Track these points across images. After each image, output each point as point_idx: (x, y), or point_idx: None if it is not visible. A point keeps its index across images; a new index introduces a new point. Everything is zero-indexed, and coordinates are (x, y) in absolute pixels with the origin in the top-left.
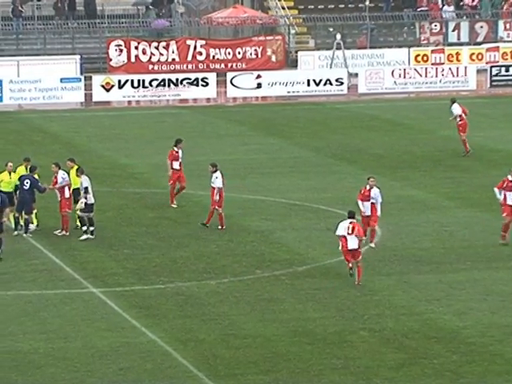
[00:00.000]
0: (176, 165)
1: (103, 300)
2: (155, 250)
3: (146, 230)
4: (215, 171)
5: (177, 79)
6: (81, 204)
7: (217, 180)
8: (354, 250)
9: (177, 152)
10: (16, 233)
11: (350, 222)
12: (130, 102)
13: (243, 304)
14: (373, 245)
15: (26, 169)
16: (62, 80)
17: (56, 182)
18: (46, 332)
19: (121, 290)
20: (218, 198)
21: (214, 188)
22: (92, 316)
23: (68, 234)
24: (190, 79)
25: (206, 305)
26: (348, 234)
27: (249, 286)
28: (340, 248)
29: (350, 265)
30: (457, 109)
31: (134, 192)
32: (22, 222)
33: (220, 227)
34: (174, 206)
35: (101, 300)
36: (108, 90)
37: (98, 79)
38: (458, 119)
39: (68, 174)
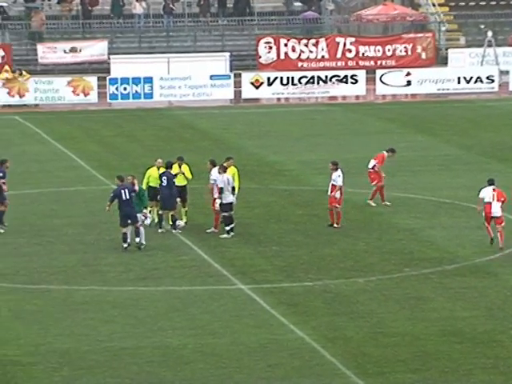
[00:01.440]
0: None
1: (251, 297)
2: (303, 247)
3: (294, 227)
4: (336, 169)
5: (326, 76)
6: (216, 204)
7: (339, 178)
8: (497, 217)
9: (384, 158)
10: (160, 231)
11: (494, 189)
12: (279, 99)
13: (392, 302)
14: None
15: (180, 167)
16: (211, 77)
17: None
18: (195, 328)
19: (269, 286)
20: (338, 195)
21: (334, 186)
22: (240, 312)
23: (218, 230)
24: (339, 76)
25: (355, 302)
26: (493, 200)
27: (397, 284)
28: (480, 212)
29: (492, 232)
30: None
31: (283, 189)
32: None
33: (336, 225)
34: (388, 203)
35: (249, 296)
36: (257, 87)
37: (247, 76)
38: None
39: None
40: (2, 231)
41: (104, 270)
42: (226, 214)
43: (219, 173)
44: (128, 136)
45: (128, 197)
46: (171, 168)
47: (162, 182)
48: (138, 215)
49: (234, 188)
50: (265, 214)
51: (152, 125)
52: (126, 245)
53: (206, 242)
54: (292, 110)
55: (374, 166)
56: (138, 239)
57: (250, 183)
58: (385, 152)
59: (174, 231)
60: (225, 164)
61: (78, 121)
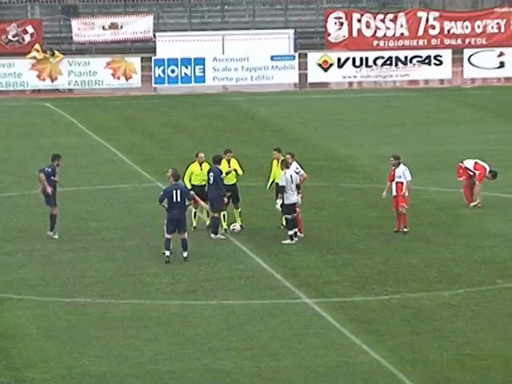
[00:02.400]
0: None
1: (318, 312)
2: (379, 254)
3: (368, 232)
4: (398, 164)
5: (406, 57)
6: (277, 205)
7: (407, 172)
8: None
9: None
10: (215, 236)
11: None
12: (350, 84)
13: (481, 319)
14: None
15: (228, 162)
16: (272, 58)
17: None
18: (252, 348)
19: (339, 300)
20: (406, 193)
21: (400, 183)
22: (305, 331)
23: (303, 235)
24: (420, 57)
25: (438, 319)
26: None
27: (488, 298)
28: None
29: None
30: None
31: (355, 187)
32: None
33: (405, 229)
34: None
35: (315, 312)
36: (326, 70)
37: (314, 57)
38: None
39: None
40: (56, 237)
41: (147, 280)
42: (288, 216)
43: (281, 168)
44: (176, 126)
45: (180, 199)
46: (219, 163)
47: (209, 179)
48: None
49: (298, 186)
50: (334, 216)
51: (204, 113)
52: (168, 253)
53: (265, 249)
54: (366, 95)
55: (471, 173)
56: (185, 253)
57: (316, 180)
58: (488, 168)
59: (213, 236)
60: (274, 156)
61: (119, 108)
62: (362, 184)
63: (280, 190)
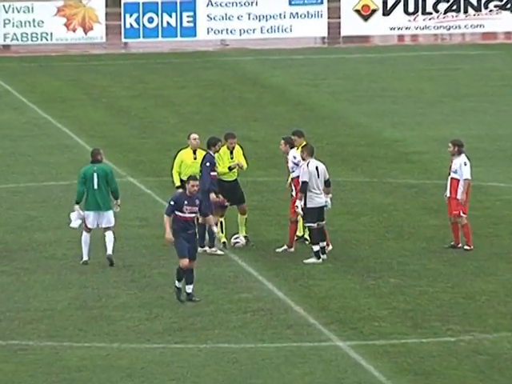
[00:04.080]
0: None
1: (355, 360)
2: (440, 279)
3: (425, 247)
4: (459, 154)
5: (478, 1)
6: (297, 209)
7: (465, 168)
8: None
9: None
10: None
11: None
12: (401, 38)
13: None
14: None
15: (231, 151)
16: (291, 1)
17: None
18: None
19: (384, 343)
20: (463, 196)
21: (456, 180)
22: None
23: (293, 250)
24: (500, 1)
25: None
26: None
27: None
28: None
29: None
30: None
31: (407, 184)
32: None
33: (466, 247)
34: None
35: (351, 360)
36: (366, 19)
37: (349, 0)
38: None
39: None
40: None
41: (114, 315)
42: (312, 224)
43: (302, 158)
44: (155, 97)
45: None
46: (211, 148)
47: (200, 171)
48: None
49: (327, 182)
50: (378, 224)
51: (194, 79)
52: (179, 285)
53: (280, 271)
54: (422, 54)
55: None
56: (189, 288)
57: (353, 174)
58: None
59: (206, 249)
60: (294, 144)
61: (74, 72)
62: (418, 179)
63: (301, 187)
